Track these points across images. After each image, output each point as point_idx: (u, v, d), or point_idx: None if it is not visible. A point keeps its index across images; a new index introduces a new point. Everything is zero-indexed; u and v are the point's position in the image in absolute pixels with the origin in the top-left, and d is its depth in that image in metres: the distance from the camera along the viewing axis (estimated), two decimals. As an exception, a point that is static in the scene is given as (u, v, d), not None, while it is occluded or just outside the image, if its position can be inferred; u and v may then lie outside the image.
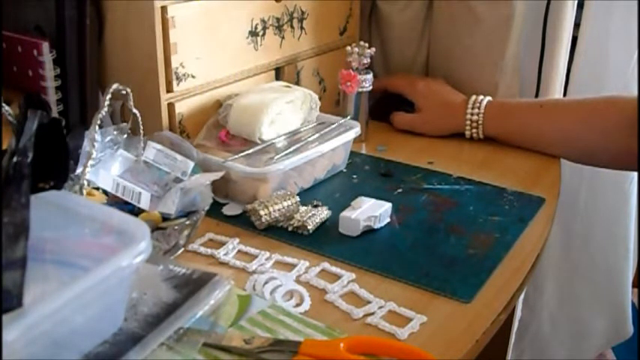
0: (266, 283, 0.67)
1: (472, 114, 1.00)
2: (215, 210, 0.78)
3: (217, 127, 0.87)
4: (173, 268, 0.64)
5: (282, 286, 0.66)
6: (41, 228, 0.53)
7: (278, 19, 0.95)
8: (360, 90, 0.99)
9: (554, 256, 1.28)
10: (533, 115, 0.98)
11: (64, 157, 0.66)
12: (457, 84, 1.08)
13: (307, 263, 0.71)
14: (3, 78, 0.79)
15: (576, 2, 1.07)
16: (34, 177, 0.58)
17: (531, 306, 1.33)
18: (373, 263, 0.71)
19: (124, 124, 0.78)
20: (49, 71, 0.79)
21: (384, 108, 1.07)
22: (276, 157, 0.82)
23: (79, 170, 0.69)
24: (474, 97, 1.01)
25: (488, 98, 1.01)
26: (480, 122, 1.00)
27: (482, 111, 1.00)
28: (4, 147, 0.61)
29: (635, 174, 1.19)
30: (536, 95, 1.12)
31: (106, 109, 0.72)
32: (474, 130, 1.01)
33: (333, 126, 0.91)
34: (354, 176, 0.91)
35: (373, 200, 0.79)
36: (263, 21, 0.93)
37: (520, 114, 1.00)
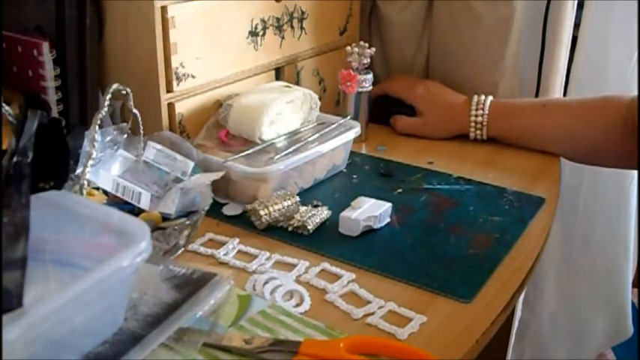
0: (266, 283, 0.67)
1: (476, 115, 1.00)
2: (215, 210, 0.78)
3: (217, 127, 0.87)
4: (173, 268, 0.64)
5: (282, 286, 0.66)
6: (41, 228, 0.53)
7: (278, 19, 0.95)
8: (360, 90, 0.99)
9: (554, 256, 1.28)
10: (537, 115, 0.98)
11: (64, 157, 0.66)
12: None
13: (307, 263, 0.71)
14: (3, 78, 0.79)
15: (576, 2, 1.07)
16: (34, 177, 0.58)
17: (531, 306, 1.33)
18: (373, 263, 0.71)
19: (124, 124, 0.78)
20: (49, 71, 0.79)
21: (382, 110, 1.07)
22: (276, 157, 0.82)
23: (79, 170, 0.69)
24: (476, 98, 1.00)
25: (490, 98, 1.00)
26: (484, 123, 0.99)
27: (486, 112, 0.99)
28: (4, 147, 0.61)
29: (635, 174, 1.19)
30: (536, 95, 1.12)
31: (106, 109, 0.72)
32: (479, 132, 1.01)
33: (333, 126, 0.91)
34: (354, 176, 0.91)
35: (373, 200, 0.79)
36: (263, 21, 0.93)
37: (523, 114, 0.99)
